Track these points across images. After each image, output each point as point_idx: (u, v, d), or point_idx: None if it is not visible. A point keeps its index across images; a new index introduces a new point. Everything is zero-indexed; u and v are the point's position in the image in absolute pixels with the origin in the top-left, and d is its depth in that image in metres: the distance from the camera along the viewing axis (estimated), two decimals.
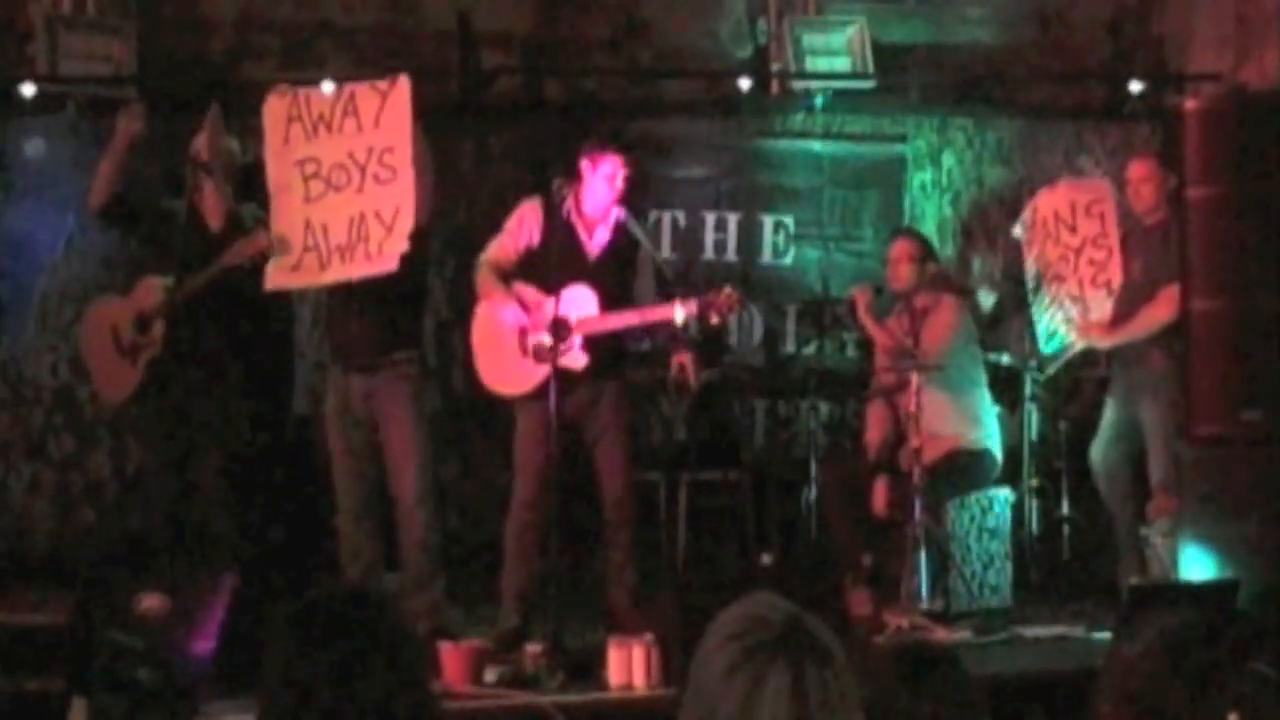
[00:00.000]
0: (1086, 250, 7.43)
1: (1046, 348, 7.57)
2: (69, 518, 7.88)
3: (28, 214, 7.81)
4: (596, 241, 6.51)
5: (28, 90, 7.70)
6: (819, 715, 1.96)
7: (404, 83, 6.37)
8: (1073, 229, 7.49)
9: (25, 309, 7.89)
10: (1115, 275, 7.30)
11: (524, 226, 6.50)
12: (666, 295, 6.49)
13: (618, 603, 6.43)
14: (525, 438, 6.47)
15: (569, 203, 6.42)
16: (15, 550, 7.70)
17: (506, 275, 6.49)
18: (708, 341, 7.52)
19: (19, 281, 7.87)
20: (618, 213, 6.51)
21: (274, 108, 6.50)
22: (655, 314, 6.42)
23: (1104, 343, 7.33)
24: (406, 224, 6.29)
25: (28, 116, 7.82)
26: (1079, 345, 7.44)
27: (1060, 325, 7.49)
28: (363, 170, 6.36)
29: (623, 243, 6.53)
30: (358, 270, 6.32)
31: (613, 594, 6.47)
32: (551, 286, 6.27)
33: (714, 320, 6.41)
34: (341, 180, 6.39)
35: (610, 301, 6.40)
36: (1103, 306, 7.32)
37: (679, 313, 6.29)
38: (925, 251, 7.42)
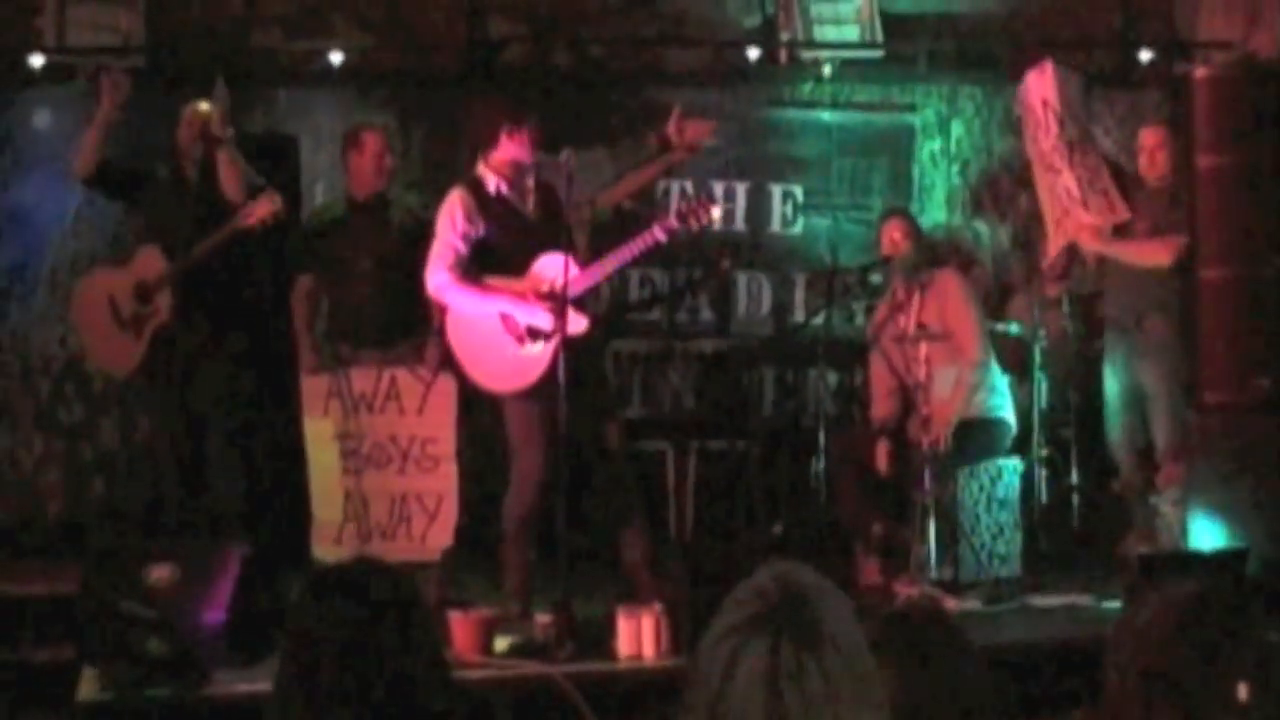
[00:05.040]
0: (1076, 154, 7.26)
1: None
2: (79, 488, 7.90)
3: (35, 186, 7.81)
4: (533, 208, 6.30)
5: (36, 61, 7.71)
6: (792, 696, 1.96)
7: (446, 381, 6.53)
8: (1061, 122, 7.31)
9: (34, 280, 7.90)
10: (1109, 186, 7.18)
11: (456, 220, 6.22)
12: (646, 221, 6.29)
13: (633, 568, 6.33)
14: (528, 421, 6.24)
15: (494, 180, 6.22)
16: (26, 521, 7.72)
17: (472, 274, 6.23)
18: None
19: (27, 253, 7.88)
20: (530, 176, 6.28)
21: (312, 385, 6.66)
22: (640, 244, 6.18)
23: (1091, 245, 7.17)
24: (450, 515, 6.49)
25: (36, 88, 7.82)
26: (1062, 241, 7.27)
27: (1051, 223, 7.35)
28: (405, 455, 6.57)
29: (550, 201, 6.26)
30: (399, 554, 6.28)
31: (627, 559, 6.36)
32: (518, 266, 6.18)
33: (701, 223, 6.18)
34: (382, 459, 6.59)
35: (579, 257, 6.16)
36: (1102, 212, 7.15)
37: (661, 234, 6.14)
38: (918, 230, 7.39)
